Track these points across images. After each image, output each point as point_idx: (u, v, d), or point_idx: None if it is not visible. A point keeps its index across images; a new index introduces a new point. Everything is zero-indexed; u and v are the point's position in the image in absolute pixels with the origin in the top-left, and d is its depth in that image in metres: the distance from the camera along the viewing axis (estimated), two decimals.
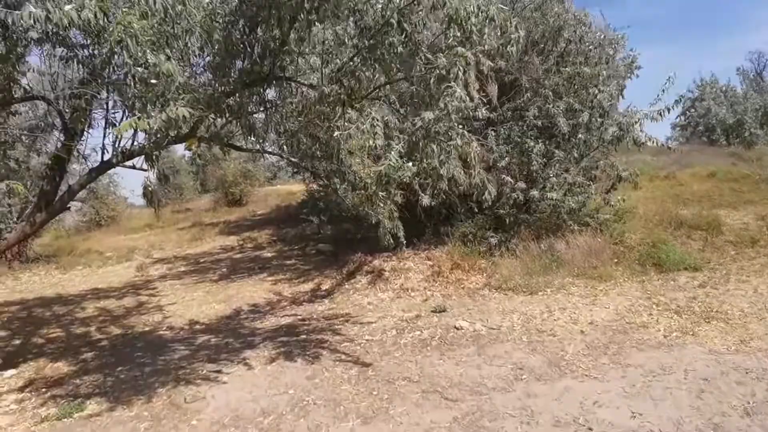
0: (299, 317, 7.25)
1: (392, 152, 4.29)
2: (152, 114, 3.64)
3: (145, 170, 5.05)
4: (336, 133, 4.22)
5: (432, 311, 6.67)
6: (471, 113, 4.16)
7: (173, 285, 10.20)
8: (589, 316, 6.04)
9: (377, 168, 5.53)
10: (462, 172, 4.86)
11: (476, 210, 9.36)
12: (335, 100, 4.54)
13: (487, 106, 7.97)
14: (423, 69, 4.19)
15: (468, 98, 4.16)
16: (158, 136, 4.73)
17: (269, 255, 12.05)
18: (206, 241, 15.97)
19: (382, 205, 5.93)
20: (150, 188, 5.22)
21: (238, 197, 24.31)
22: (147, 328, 7.60)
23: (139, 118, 3.69)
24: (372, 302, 7.52)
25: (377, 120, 4.14)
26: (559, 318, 6.02)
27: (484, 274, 7.78)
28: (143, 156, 4.96)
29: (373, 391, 4.57)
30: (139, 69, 3.44)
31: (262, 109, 5.08)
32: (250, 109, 5.01)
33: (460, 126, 4.31)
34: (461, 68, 3.91)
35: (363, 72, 4.50)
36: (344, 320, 6.81)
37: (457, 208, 9.18)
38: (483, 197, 4.44)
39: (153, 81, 3.71)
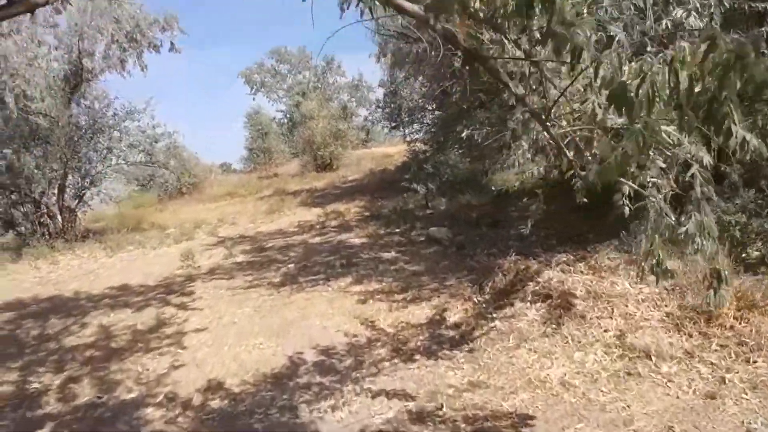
0: (410, 405, 3.42)
1: None
2: None
3: None
4: None
5: None
6: None
7: (217, 289, 6.80)
8: None
9: None
10: None
11: (735, 179, 4.93)
12: None
13: None
14: None
15: None
16: None
17: (358, 242, 8.31)
18: (284, 213, 12.74)
19: None
20: None
21: (327, 161, 21.05)
22: (132, 395, 4.16)
23: None
24: (568, 379, 3.50)
25: None
26: None
27: None
28: None
29: None
30: None
31: None
32: None
33: None
34: None
35: None
36: None
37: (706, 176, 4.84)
38: None
39: None
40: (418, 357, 4.14)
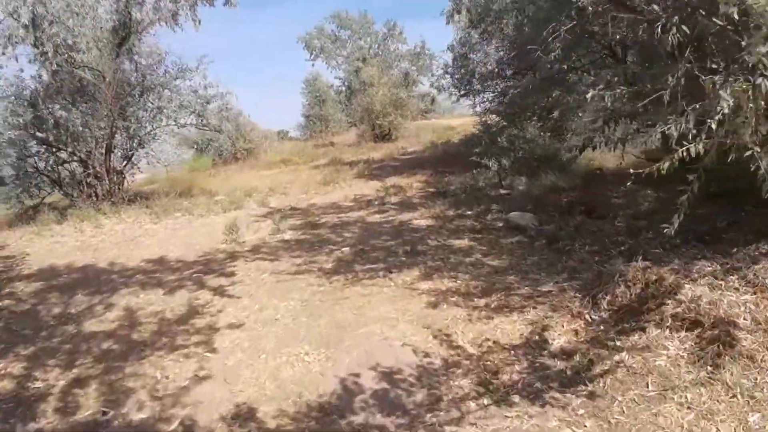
0: None
1: None
2: None
3: None
4: None
5: None
6: None
7: (260, 272, 5.87)
8: None
9: None
10: None
11: None
12: None
13: None
14: None
15: None
16: None
17: (424, 224, 7.19)
18: (339, 185, 11.80)
19: None
20: None
21: (386, 131, 19.94)
22: (142, 414, 3.26)
23: None
24: None
25: None
26: None
27: None
28: None
29: None
30: None
31: None
32: None
33: None
34: None
35: None
36: None
37: None
38: None
39: None
40: (516, 399, 3.01)
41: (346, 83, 30.62)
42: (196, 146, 22.68)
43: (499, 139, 10.16)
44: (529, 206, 7.06)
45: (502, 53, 11.40)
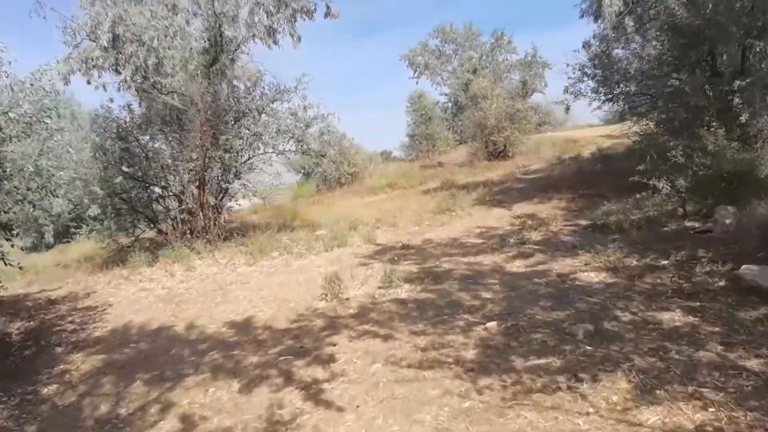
0: None
1: None
2: None
3: None
4: None
5: None
6: None
7: (369, 358, 4.09)
8: None
9: None
10: None
11: None
12: None
13: None
14: None
15: None
16: None
17: (596, 279, 5.03)
18: (456, 214, 9.98)
19: None
20: None
21: (501, 147, 17.81)
22: None
23: None
24: None
25: None
26: None
27: None
28: None
29: None
30: None
31: None
32: None
33: None
34: None
35: None
36: None
37: None
38: None
39: None
40: None
41: (452, 99, 28.97)
42: (302, 171, 22.05)
43: (671, 153, 7.73)
44: (760, 252, 4.70)
45: (661, 44, 8.96)
